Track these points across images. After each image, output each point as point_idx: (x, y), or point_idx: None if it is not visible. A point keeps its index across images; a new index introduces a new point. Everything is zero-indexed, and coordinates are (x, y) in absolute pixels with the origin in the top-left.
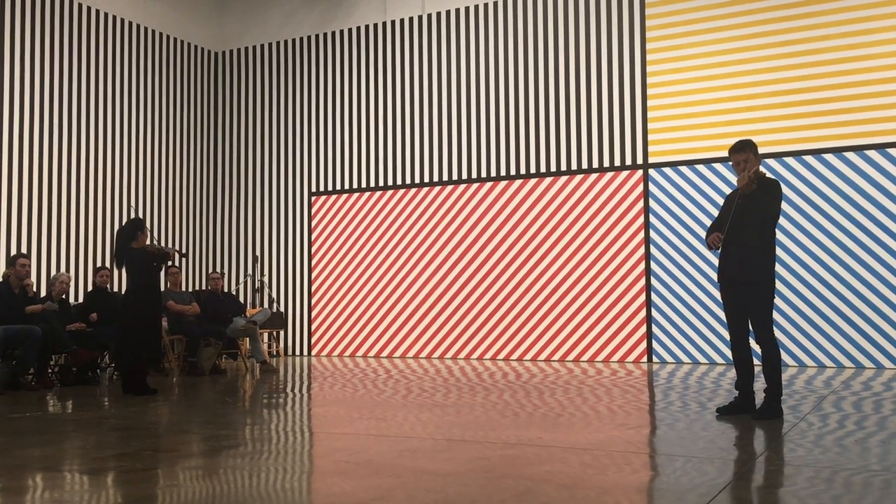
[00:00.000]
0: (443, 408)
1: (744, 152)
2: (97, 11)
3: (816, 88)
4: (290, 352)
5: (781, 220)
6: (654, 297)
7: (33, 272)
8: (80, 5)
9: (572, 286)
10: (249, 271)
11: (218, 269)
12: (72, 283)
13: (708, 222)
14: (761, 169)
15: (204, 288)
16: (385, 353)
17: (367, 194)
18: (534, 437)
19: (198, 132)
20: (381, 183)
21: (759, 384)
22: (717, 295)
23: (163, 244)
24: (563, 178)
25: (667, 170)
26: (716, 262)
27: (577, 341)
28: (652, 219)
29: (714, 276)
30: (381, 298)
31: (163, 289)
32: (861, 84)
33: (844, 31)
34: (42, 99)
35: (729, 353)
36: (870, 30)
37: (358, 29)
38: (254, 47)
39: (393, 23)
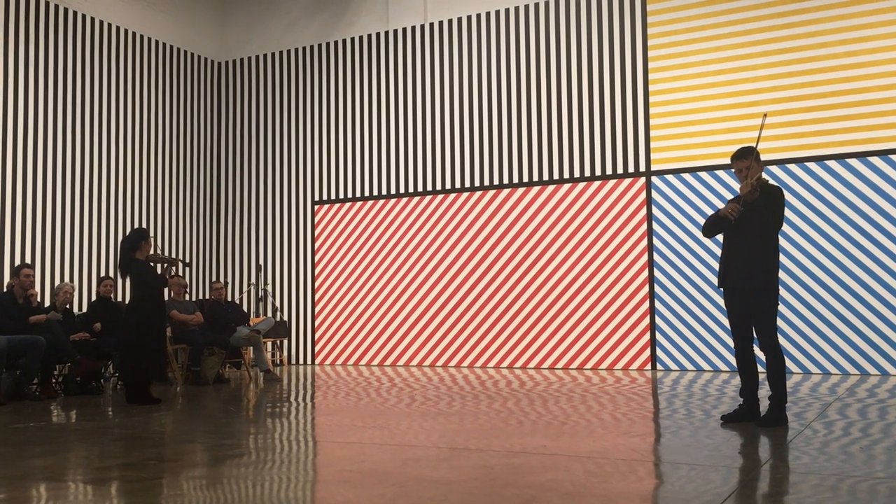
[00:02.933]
0: (446, 416)
1: (746, 159)
2: (101, 22)
3: (819, 95)
4: (293, 361)
5: (785, 227)
6: (657, 304)
7: (37, 282)
8: (83, 16)
9: (576, 294)
10: (253, 280)
11: (221, 279)
12: (76, 293)
13: None
14: (764, 176)
15: (207, 297)
16: (389, 362)
17: (370, 203)
18: (538, 446)
19: (201, 141)
20: (384, 191)
21: (764, 391)
22: (721, 302)
23: (166, 254)
24: (566, 186)
25: (670, 177)
26: (718, 267)
27: (581, 349)
28: (655, 226)
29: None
30: (384, 307)
31: (166, 298)
32: (863, 91)
33: (846, 37)
34: (46, 109)
35: (733, 361)
36: (871, 36)
37: (360, 38)
38: (256, 57)
39: (395, 32)
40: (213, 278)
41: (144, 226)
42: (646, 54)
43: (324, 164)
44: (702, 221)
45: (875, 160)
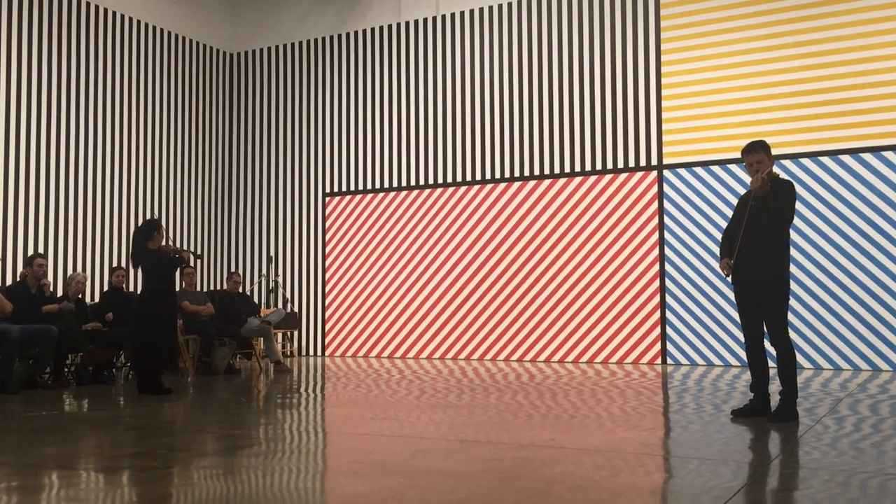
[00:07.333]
0: (456, 409)
1: (757, 153)
2: (113, 13)
3: (832, 89)
4: (303, 352)
5: (796, 222)
6: (668, 298)
7: (50, 272)
8: (95, 6)
9: (586, 287)
10: (264, 271)
11: (232, 270)
12: (88, 283)
13: (723, 223)
14: (775, 170)
15: (220, 288)
16: (398, 354)
17: (380, 195)
18: (547, 439)
19: (212, 133)
20: (395, 184)
21: (775, 386)
22: (732, 296)
23: (178, 245)
24: (578, 179)
25: (681, 171)
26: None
27: (591, 342)
28: (666, 220)
29: (728, 277)
30: (394, 299)
31: (178, 289)
32: (877, 85)
33: (860, 31)
34: (58, 100)
35: (744, 355)
36: (886, 30)
37: (372, 30)
38: (268, 48)
39: (407, 24)
40: (225, 270)
41: (157, 216)
42: (658, 47)
43: (335, 156)
44: (713, 215)
45: (889, 155)
